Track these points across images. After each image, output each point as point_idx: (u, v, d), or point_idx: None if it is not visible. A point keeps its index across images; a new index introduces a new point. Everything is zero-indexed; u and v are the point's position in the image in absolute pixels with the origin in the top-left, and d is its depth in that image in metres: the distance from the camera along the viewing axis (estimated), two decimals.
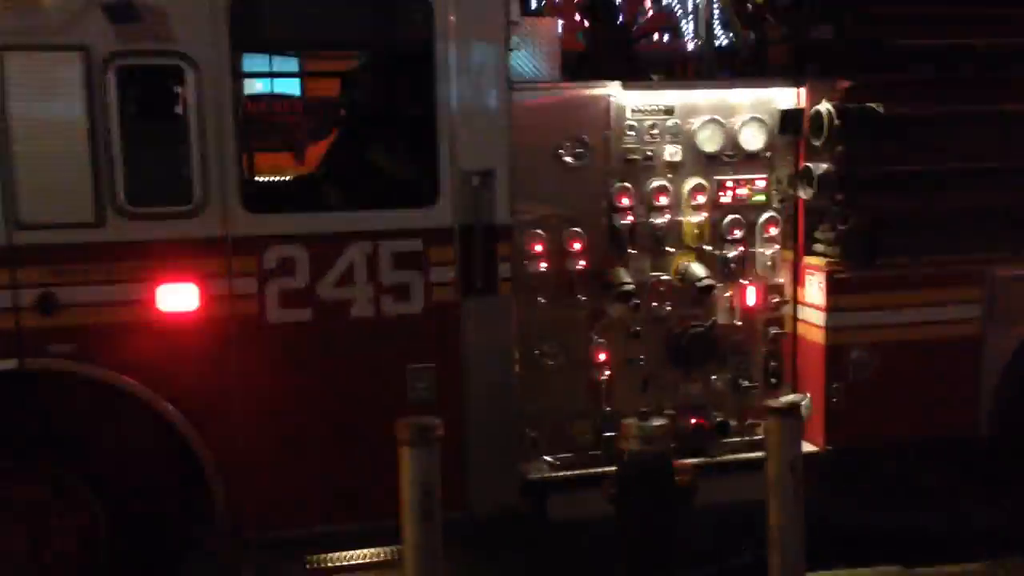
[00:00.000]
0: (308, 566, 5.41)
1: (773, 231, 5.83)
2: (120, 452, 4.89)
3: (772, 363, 5.94)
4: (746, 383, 5.89)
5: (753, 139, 5.74)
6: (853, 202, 5.66)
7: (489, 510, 5.37)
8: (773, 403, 4.72)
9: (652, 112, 5.64)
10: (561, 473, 5.58)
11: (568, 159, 5.52)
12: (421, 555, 4.45)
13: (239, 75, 4.84)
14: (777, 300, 5.89)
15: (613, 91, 5.55)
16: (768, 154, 5.79)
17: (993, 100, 5.83)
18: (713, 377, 5.85)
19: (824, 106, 5.60)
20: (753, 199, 5.80)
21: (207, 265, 4.89)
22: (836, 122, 5.56)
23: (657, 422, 4.29)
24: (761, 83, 5.78)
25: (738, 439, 5.91)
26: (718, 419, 5.82)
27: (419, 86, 5.00)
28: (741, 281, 5.81)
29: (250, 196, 4.90)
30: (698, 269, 5.66)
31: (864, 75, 5.67)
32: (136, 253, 4.81)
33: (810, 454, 5.77)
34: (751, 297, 5.85)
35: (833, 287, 5.66)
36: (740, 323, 5.85)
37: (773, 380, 5.94)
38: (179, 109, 4.79)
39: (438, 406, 5.13)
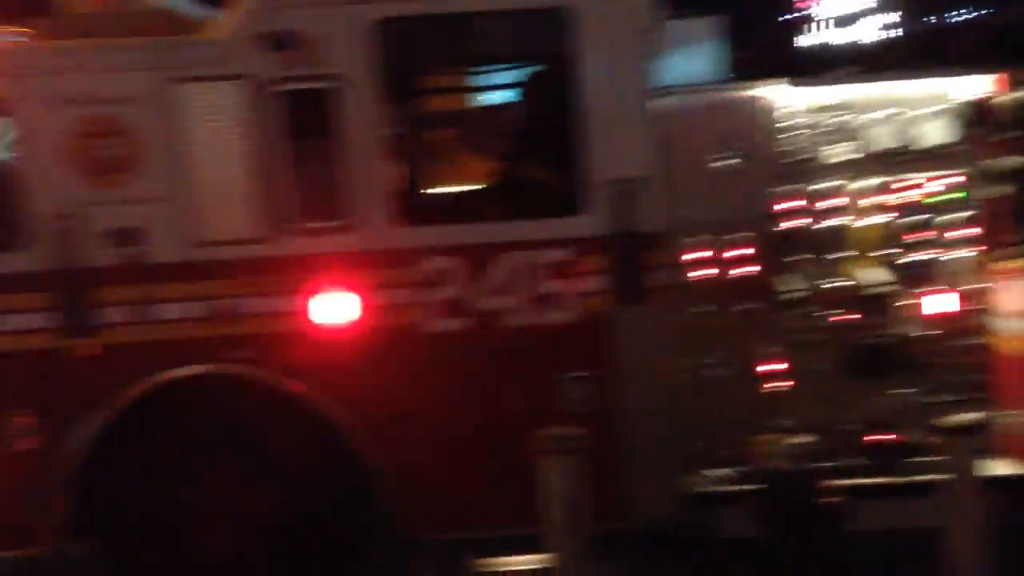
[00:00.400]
0: (474, 570, 5.49)
1: (957, 234, 5.38)
2: (290, 452, 5.16)
3: (962, 377, 5.47)
4: (933, 399, 5.46)
5: (933, 134, 5.35)
6: None
7: (650, 522, 5.25)
8: (949, 421, 4.35)
9: (817, 110, 5.37)
10: (725, 487, 5.38)
11: (724, 163, 5.35)
12: (563, 567, 4.43)
13: (389, 93, 5.00)
14: (964, 308, 5.42)
15: (770, 90, 5.32)
16: (950, 150, 5.36)
17: None
18: (896, 392, 5.47)
19: (1020, 94, 5.12)
20: (933, 199, 5.39)
21: (366, 277, 5.08)
22: None
23: (794, 439, 4.05)
24: (942, 73, 5.36)
25: (925, 459, 5.47)
26: (901, 437, 5.42)
27: (563, 95, 5.00)
28: (922, 288, 5.40)
29: (405, 209, 5.06)
30: (871, 275, 5.33)
31: None
32: (301, 266, 5.07)
33: (1013, 475, 5.28)
34: (935, 305, 5.42)
35: None
36: (923, 333, 5.43)
37: (964, 396, 5.46)
38: (335, 128, 5.00)
39: (593, 416, 5.11)
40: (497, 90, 5.62)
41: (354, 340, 5.12)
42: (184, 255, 5.05)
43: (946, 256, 5.39)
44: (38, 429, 5.12)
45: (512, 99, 5.63)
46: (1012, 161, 5.18)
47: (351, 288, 5.09)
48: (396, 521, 5.21)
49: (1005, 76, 5.24)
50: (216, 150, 4.99)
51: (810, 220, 5.37)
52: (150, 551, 5.20)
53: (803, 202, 5.35)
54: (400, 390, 5.13)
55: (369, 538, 5.33)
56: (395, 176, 5.05)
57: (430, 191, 5.36)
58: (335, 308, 5.11)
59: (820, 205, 5.37)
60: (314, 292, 5.09)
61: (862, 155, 5.35)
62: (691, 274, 5.37)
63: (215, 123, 4.97)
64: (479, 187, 5.60)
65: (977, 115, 5.24)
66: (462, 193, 5.54)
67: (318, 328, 5.11)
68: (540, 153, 5.29)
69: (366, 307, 5.11)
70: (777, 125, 5.35)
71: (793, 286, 5.29)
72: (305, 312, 5.10)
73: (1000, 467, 5.24)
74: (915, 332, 5.43)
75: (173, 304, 5.09)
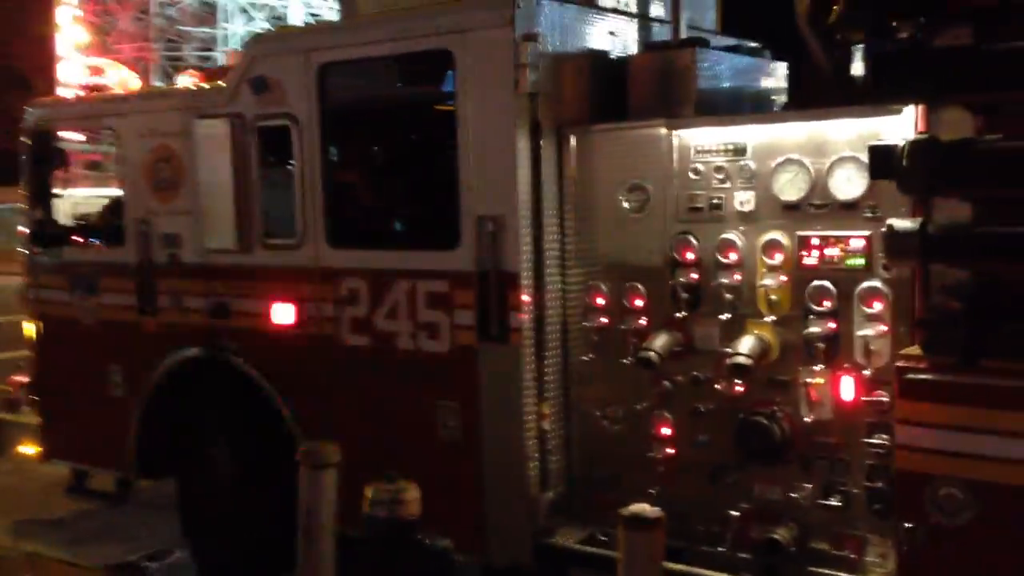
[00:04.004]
0: None
1: (876, 306, 4.42)
2: (245, 429, 6.14)
3: (872, 481, 4.49)
4: (834, 500, 4.57)
5: (848, 184, 4.47)
6: (935, 272, 4.03)
7: (504, 562, 5.24)
8: (624, 510, 3.86)
9: (720, 152, 4.79)
10: (583, 547, 5.12)
11: (627, 205, 5.05)
12: (300, 572, 4.76)
13: (324, 130, 5.64)
14: (880, 398, 4.43)
15: (668, 128, 4.89)
16: (871, 204, 4.41)
17: None
18: (796, 484, 4.69)
19: (912, 138, 4.09)
20: (848, 262, 4.48)
21: (305, 290, 5.82)
22: (927, 161, 4.02)
23: (392, 486, 3.96)
24: (848, 113, 4.43)
25: (827, 571, 4.62)
26: (770, 534, 4.64)
27: (443, 133, 5.19)
28: (828, 367, 4.54)
29: (331, 232, 5.68)
30: (744, 343, 4.64)
31: (995, 92, 3.97)
32: (267, 275, 5.99)
33: None
34: (843, 389, 4.52)
35: (906, 390, 4.08)
36: (828, 420, 4.57)
37: (876, 505, 4.48)
38: (290, 160, 5.80)
39: (463, 446, 5.29)
40: (398, 128, 5.87)
41: (297, 344, 5.88)
42: (197, 259, 6.28)
43: (857, 332, 4.45)
44: (123, 381, 6.76)
45: (409, 134, 5.87)
46: (901, 223, 4.09)
47: (296, 299, 5.87)
48: None
49: (926, 116, 4.15)
50: (216, 174, 6.09)
51: (711, 275, 4.81)
52: (199, 495, 6.53)
53: (704, 253, 4.82)
54: (322, 393, 5.79)
55: None
56: (327, 202, 5.66)
57: (350, 217, 5.84)
58: (283, 313, 5.94)
59: (720, 259, 4.78)
60: (275, 298, 5.97)
61: (766, 204, 4.66)
62: (594, 320, 5.16)
63: (214, 153, 6.07)
64: (381, 216, 5.94)
65: (879, 163, 4.21)
66: (371, 220, 5.94)
67: (276, 329, 5.97)
68: (428, 188, 5.51)
69: (303, 316, 5.84)
70: (680, 166, 4.89)
71: (657, 344, 4.82)
72: (270, 314, 6.00)
73: None
74: (815, 418, 4.59)
75: (193, 297, 6.35)
